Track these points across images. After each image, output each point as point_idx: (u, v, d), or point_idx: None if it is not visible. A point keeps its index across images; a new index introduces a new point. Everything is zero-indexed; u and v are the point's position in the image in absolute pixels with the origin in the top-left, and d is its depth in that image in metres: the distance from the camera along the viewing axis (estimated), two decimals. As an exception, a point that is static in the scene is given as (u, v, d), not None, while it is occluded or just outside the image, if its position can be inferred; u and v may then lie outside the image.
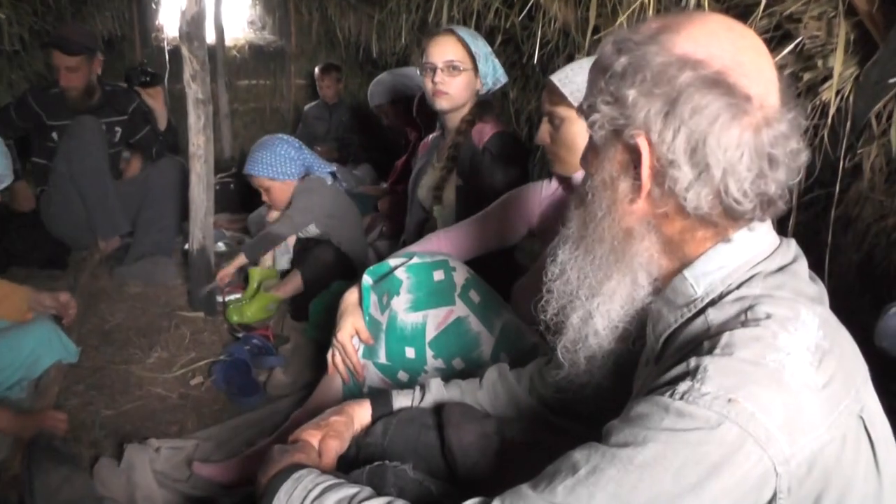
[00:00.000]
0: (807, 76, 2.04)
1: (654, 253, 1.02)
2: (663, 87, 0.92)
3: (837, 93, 1.97)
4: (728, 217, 0.97)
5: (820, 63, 2.00)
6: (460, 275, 1.96)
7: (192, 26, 2.70)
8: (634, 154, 0.97)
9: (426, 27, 4.35)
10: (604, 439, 0.93)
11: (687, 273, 1.01)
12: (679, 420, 0.86)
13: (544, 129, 1.96)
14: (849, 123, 2.05)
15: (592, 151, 1.06)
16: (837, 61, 1.93)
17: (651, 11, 2.24)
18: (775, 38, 2.08)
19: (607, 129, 1.00)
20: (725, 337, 0.90)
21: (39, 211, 3.56)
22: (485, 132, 2.60)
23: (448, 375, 1.85)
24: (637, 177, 0.98)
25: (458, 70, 2.57)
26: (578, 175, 1.89)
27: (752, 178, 0.93)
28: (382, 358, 1.91)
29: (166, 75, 5.51)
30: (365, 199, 4.07)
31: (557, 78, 1.87)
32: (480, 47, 2.58)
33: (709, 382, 0.86)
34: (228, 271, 3.03)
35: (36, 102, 3.55)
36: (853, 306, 2.38)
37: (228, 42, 6.27)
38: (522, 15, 3.17)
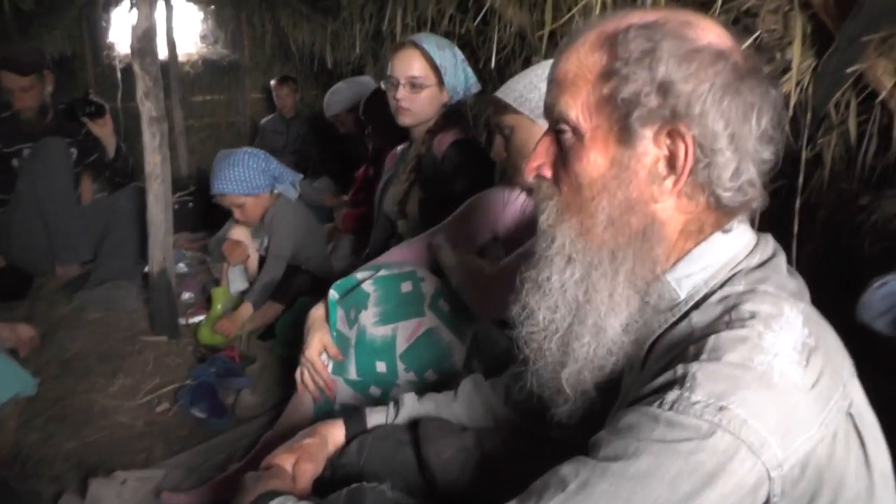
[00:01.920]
0: (766, 69, 2.05)
1: (656, 254, 0.97)
2: (706, 76, 0.90)
3: (797, 84, 1.98)
4: (738, 208, 0.96)
5: (778, 56, 2.00)
6: (429, 285, 1.93)
7: (144, 41, 2.64)
8: (675, 147, 0.93)
9: (381, 36, 4.34)
10: (592, 452, 0.90)
11: (669, 276, 0.98)
12: (670, 430, 0.83)
13: (498, 143, 1.93)
14: (809, 114, 2.06)
15: (597, 152, 0.97)
16: (795, 53, 1.94)
17: (605, 8, 2.23)
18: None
19: (644, 123, 0.93)
20: (711, 340, 0.87)
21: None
22: (444, 141, 2.56)
23: (421, 388, 1.82)
24: (671, 173, 0.94)
25: (420, 87, 2.51)
26: None
27: (765, 162, 0.94)
28: (353, 374, 1.87)
29: (119, 94, 5.42)
30: (326, 211, 4.04)
31: (499, 92, 1.87)
32: (447, 59, 2.51)
33: (698, 390, 0.83)
34: (236, 323, 2.91)
35: None
36: (820, 295, 2.40)
37: (181, 57, 6.17)
38: (477, 20, 3.16)
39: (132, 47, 2.68)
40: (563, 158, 1.01)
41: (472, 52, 3.59)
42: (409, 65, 2.51)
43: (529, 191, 1.96)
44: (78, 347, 2.89)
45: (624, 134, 0.94)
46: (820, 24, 1.94)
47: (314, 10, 5.12)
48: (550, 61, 1.81)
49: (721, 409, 0.81)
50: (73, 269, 3.49)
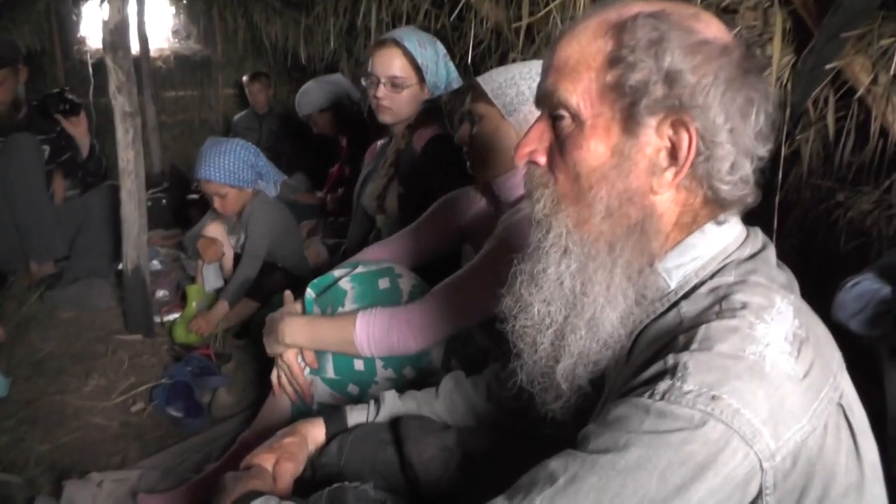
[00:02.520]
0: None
1: (650, 245, 0.96)
2: (711, 69, 0.89)
3: (777, 80, 2.00)
4: (733, 201, 0.95)
5: (758, 52, 2.01)
6: (406, 281, 1.91)
7: (116, 35, 2.60)
8: (678, 138, 0.91)
9: (355, 31, 4.31)
10: (580, 445, 0.89)
11: (659, 266, 0.97)
12: (661, 421, 0.82)
13: (464, 129, 1.91)
14: (788, 110, 2.08)
15: (598, 140, 0.94)
16: (775, 50, 1.95)
17: (583, 4, 2.23)
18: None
19: (649, 113, 0.91)
20: (702, 330, 0.86)
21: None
22: (423, 137, 2.54)
23: (399, 385, 1.81)
24: (672, 164, 0.93)
25: (401, 87, 2.49)
26: (501, 179, 1.85)
27: (760, 158, 0.94)
28: (330, 372, 1.85)
29: (91, 90, 5.34)
30: (300, 208, 4.00)
31: (481, 77, 1.84)
32: (429, 56, 2.48)
33: (690, 380, 0.82)
34: (212, 321, 2.87)
35: None
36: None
37: (153, 53, 6.10)
38: (453, 16, 3.15)
39: (104, 41, 2.65)
40: (560, 146, 0.98)
41: (448, 47, 3.58)
42: (391, 64, 2.49)
43: (485, 185, 1.96)
44: (50, 347, 2.85)
45: (627, 122, 0.93)
46: (799, 20, 1.96)
47: (287, 6, 5.10)
48: (536, 62, 1.83)
49: (713, 398, 0.81)
50: (47, 266, 3.44)
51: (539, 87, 1.03)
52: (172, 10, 6.60)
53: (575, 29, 0.98)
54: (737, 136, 0.90)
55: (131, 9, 4.61)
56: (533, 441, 1.34)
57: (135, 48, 5.08)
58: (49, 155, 3.61)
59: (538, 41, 2.75)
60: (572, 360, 1.00)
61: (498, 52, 3.15)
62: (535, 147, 1.02)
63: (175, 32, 6.67)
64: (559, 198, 0.99)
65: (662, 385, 0.84)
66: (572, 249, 0.97)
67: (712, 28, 0.92)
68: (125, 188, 2.76)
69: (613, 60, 0.92)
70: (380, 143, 2.89)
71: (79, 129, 3.63)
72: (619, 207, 0.94)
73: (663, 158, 0.93)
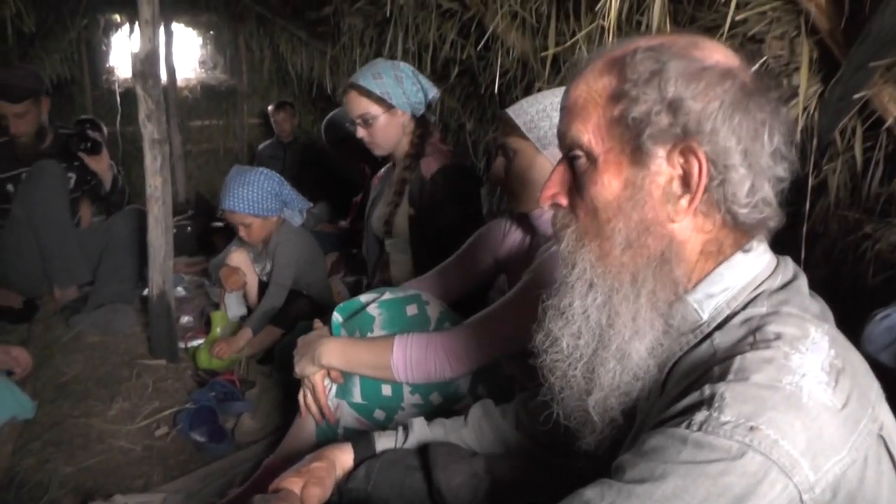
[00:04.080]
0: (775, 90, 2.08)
1: (676, 276, 0.96)
2: (715, 94, 0.90)
3: (803, 110, 1.99)
4: (754, 226, 0.95)
5: (785, 82, 2.01)
6: (434, 308, 1.91)
7: (147, 64, 2.64)
8: (688, 165, 0.92)
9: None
10: (616, 475, 0.88)
11: (690, 298, 0.96)
12: (698, 451, 0.82)
13: (498, 164, 1.93)
14: (815, 140, 2.07)
15: (610, 175, 0.96)
16: (802, 79, 1.95)
17: (611, 34, 2.24)
18: (739, 59, 2.11)
19: (655, 143, 0.92)
20: (737, 361, 0.86)
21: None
22: (431, 165, 2.61)
23: (426, 411, 1.80)
24: (685, 192, 0.93)
25: (370, 121, 2.60)
26: (538, 212, 1.86)
27: (780, 179, 0.94)
28: (357, 397, 1.85)
29: (118, 118, 5.43)
30: (324, 238, 4.02)
31: (512, 109, 1.85)
32: (387, 84, 2.56)
33: (727, 410, 0.82)
34: (234, 347, 2.88)
35: None
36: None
37: (180, 83, 6.19)
38: (480, 46, 3.18)
39: (134, 70, 2.69)
40: (578, 184, 1.00)
41: (473, 78, 3.62)
42: (354, 106, 2.62)
43: (521, 216, 1.97)
44: (75, 371, 2.86)
45: (636, 154, 0.94)
46: (826, 50, 1.95)
47: (313, 36, 5.16)
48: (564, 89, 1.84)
49: (751, 429, 0.80)
50: (70, 292, 3.46)
51: (557, 129, 1.05)
52: (199, 40, 6.70)
53: (583, 70, 1.01)
54: (751, 158, 0.90)
55: (159, 39, 4.69)
56: (562, 472, 1.33)
57: (162, 78, 5.15)
58: (75, 183, 3.66)
59: (564, 71, 2.77)
60: (603, 392, 1.00)
61: (524, 82, 3.16)
62: (557, 189, 1.04)
63: (202, 63, 6.77)
64: (581, 234, 1.00)
65: (699, 416, 0.83)
66: (597, 283, 0.98)
67: (714, 54, 0.94)
68: (152, 214, 2.79)
69: (617, 95, 0.94)
70: (384, 168, 2.97)
71: (101, 165, 3.66)
72: (638, 238, 0.95)
73: (676, 186, 0.94)
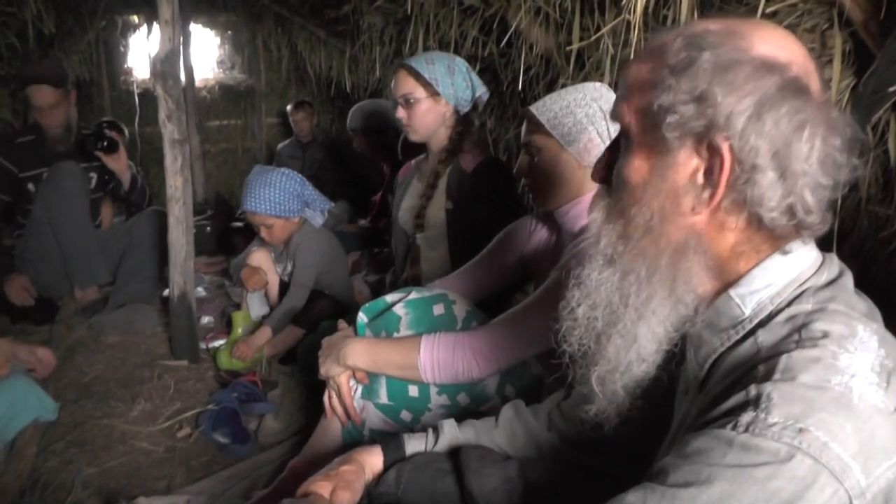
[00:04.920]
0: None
1: (700, 269, 0.94)
2: (751, 89, 0.85)
3: (836, 104, 1.94)
4: (793, 230, 0.90)
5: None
6: (461, 308, 1.89)
7: (167, 64, 2.63)
8: (712, 159, 0.89)
9: (401, 59, 4.32)
10: (658, 478, 0.85)
11: (733, 292, 0.93)
12: (745, 455, 0.78)
13: (522, 161, 1.91)
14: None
15: (640, 159, 0.95)
16: (835, 72, 1.90)
17: (637, 28, 2.21)
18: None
19: (681, 133, 0.89)
20: (783, 360, 0.83)
21: (14, 258, 3.44)
22: (470, 160, 2.58)
23: (453, 412, 1.78)
24: (708, 185, 0.90)
25: (412, 102, 2.57)
26: (563, 210, 1.84)
27: (824, 187, 0.88)
28: (383, 398, 1.83)
29: (136, 119, 5.43)
30: (345, 237, 4.00)
31: (535, 107, 1.83)
32: (438, 70, 2.54)
33: (774, 411, 0.78)
34: (253, 346, 2.87)
35: (3, 156, 3.43)
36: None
37: (198, 83, 6.18)
38: (502, 43, 3.14)
39: (154, 70, 2.67)
40: (617, 163, 1.00)
41: (494, 75, 3.58)
42: (399, 84, 2.59)
43: (547, 214, 1.95)
44: (97, 372, 2.86)
45: (661, 142, 0.91)
46: (860, 42, 1.91)
47: (331, 35, 5.13)
48: (590, 85, 1.81)
49: (800, 431, 0.77)
50: (91, 292, 3.46)
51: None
52: (217, 40, 6.69)
53: (643, 49, 0.99)
54: (784, 161, 0.86)
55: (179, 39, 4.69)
56: (597, 475, 1.30)
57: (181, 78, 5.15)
58: (96, 183, 3.66)
59: (588, 66, 2.73)
60: (608, 366, 1.01)
61: (547, 78, 3.13)
62: (603, 165, 1.05)
63: (220, 62, 6.77)
64: (609, 211, 1.00)
65: (745, 417, 0.80)
66: (616, 260, 0.98)
67: (761, 45, 0.88)
68: (173, 214, 2.78)
69: (653, 81, 0.92)
70: (415, 160, 2.94)
71: (118, 165, 3.63)
72: (658, 225, 0.93)
73: (701, 179, 0.91)
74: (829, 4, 1.94)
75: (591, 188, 1.80)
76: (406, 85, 2.56)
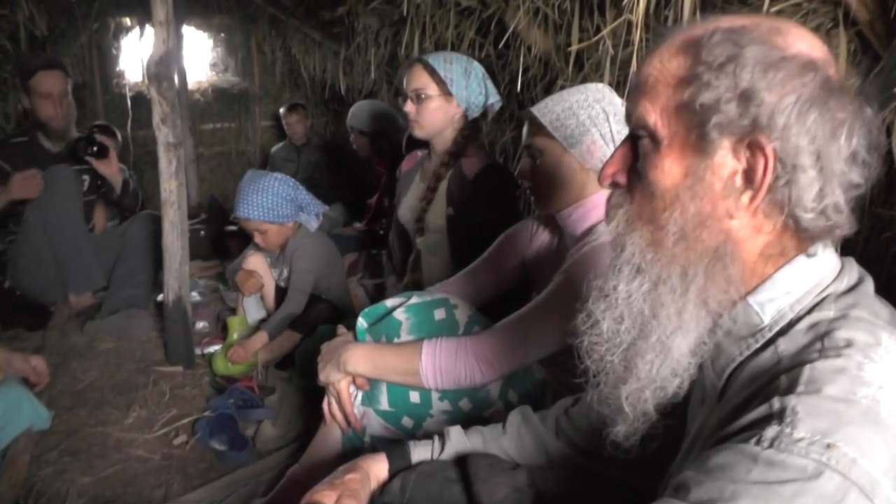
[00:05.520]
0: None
1: (733, 275, 0.90)
2: (793, 87, 0.83)
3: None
4: (822, 232, 0.88)
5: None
6: (462, 312, 1.86)
7: (161, 67, 2.60)
8: (754, 160, 0.86)
9: (396, 61, 4.30)
10: (679, 493, 0.82)
11: (752, 300, 0.90)
12: (770, 471, 0.75)
13: (524, 164, 1.88)
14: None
15: (672, 160, 0.91)
16: (840, 73, 1.89)
17: (638, 28, 2.18)
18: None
19: (722, 133, 0.86)
20: (807, 371, 0.80)
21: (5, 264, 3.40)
22: (472, 164, 2.55)
23: (456, 418, 1.75)
24: (748, 187, 0.87)
25: (423, 98, 2.54)
26: (566, 213, 1.81)
27: (855, 186, 0.85)
28: (384, 404, 1.80)
29: (129, 123, 5.39)
30: (341, 241, 3.97)
31: (537, 108, 1.80)
32: (454, 71, 2.52)
33: (800, 426, 0.76)
34: (249, 350, 2.83)
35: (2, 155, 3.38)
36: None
37: (191, 86, 6.15)
38: (500, 45, 3.12)
39: (148, 73, 2.64)
40: (639, 166, 0.95)
41: (493, 76, 3.56)
42: (413, 78, 2.57)
43: (549, 217, 1.92)
44: (91, 378, 2.82)
45: (700, 142, 0.88)
46: (865, 42, 1.89)
47: (326, 37, 5.10)
48: (592, 86, 1.78)
49: (828, 446, 0.74)
50: (85, 297, 3.42)
51: (626, 106, 1.00)
52: (211, 43, 6.65)
53: (659, 47, 0.94)
54: (824, 161, 0.83)
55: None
56: (608, 483, 1.28)
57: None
58: (88, 186, 3.61)
59: (587, 67, 2.71)
60: (639, 383, 0.96)
61: (545, 80, 3.10)
62: (618, 168, 0.99)
63: (213, 65, 6.73)
64: (633, 217, 0.96)
65: (770, 431, 0.77)
66: (645, 269, 0.93)
67: (798, 42, 0.86)
68: (167, 218, 2.74)
69: (689, 78, 0.88)
70: (420, 154, 2.92)
71: (109, 170, 3.58)
72: (693, 230, 0.89)
73: (740, 181, 0.87)
74: (835, 4, 1.92)
75: (594, 191, 1.78)
76: (420, 80, 2.54)
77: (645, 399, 0.97)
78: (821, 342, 0.83)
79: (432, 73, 2.52)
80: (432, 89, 2.53)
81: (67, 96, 3.42)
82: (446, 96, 2.54)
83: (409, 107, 2.57)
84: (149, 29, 3.43)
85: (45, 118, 3.40)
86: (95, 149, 3.48)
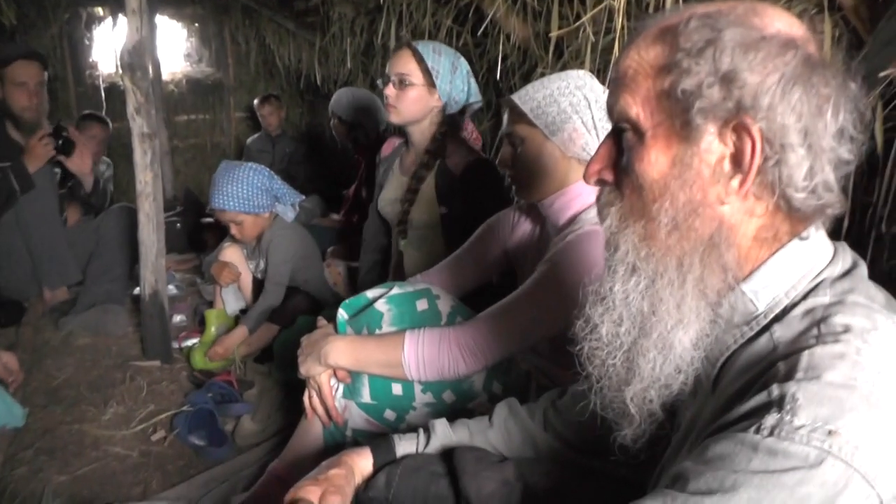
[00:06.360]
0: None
1: (729, 263, 0.88)
2: (776, 65, 0.81)
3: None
4: (814, 212, 0.86)
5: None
6: (445, 303, 1.83)
7: (134, 56, 2.54)
8: (741, 142, 0.84)
9: (372, 50, 4.26)
10: (677, 484, 0.80)
11: (745, 287, 0.89)
12: (771, 460, 0.74)
13: (505, 153, 1.85)
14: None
15: (658, 151, 0.89)
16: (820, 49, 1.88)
17: (620, 15, 2.16)
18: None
19: (707, 118, 0.84)
20: (805, 357, 0.78)
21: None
22: (457, 159, 2.52)
23: (439, 410, 1.73)
24: (737, 171, 0.85)
25: (406, 84, 2.48)
26: (548, 202, 1.79)
27: (845, 162, 0.84)
28: (366, 397, 1.77)
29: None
30: (319, 231, 3.93)
31: (517, 96, 1.77)
32: (441, 63, 2.48)
33: (801, 413, 0.74)
34: (229, 346, 2.79)
35: None
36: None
37: (165, 77, 6.06)
38: (478, 33, 3.09)
39: (122, 62, 2.59)
40: (624, 160, 0.93)
41: (471, 63, 3.53)
42: (398, 62, 2.50)
43: (530, 206, 1.90)
44: (66, 375, 2.77)
45: (685, 129, 0.86)
46: (850, 27, 1.88)
47: (300, 27, 5.05)
48: (573, 73, 1.76)
49: (830, 433, 0.73)
50: (60, 293, 3.37)
51: (606, 101, 0.98)
52: (184, 33, 6.57)
53: (635, 38, 0.93)
54: (811, 138, 0.82)
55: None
56: (597, 476, 1.26)
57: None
58: (61, 177, 3.53)
59: (567, 55, 2.69)
60: (643, 384, 0.94)
61: (524, 68, 3.08)
62: (603, 164, 0.97)
63: (187, 56, 6.64)
64: (625, 214, 0.94)
65: (770, 419, 0.76)
66: (640, 266, 0.91)
67: (776, 22, 0.85)
68: (143, 211, 2.69)
69: (668, 66, 0.87)
70: (396, 143, 2.88)
71: (77, 166, 3.49)
72: (685, 220, 0.88)
73: (728, 166, 0.86)
74: (818, -11, 1.91)
75: (576, 179, 1.76)
76: (406, 65, 2.48)
77: (650, 399, 0.95)
78: (817, 328, 0.82)
79: (420, 60, 2.47)
80: (417, 77, 2.48)
81: (43, 88, 3.36)
82: (429, 87, 2.49)
83: (390, 90, 2.50)
84: (122, 18, 3.37)
85: (18, 109, 3.31)
86: (60, 143, 3.37)
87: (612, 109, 0.94)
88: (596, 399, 1.01)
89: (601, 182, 0.98)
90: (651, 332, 0.91)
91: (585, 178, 0.99)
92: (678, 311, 0.89)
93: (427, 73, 2.47)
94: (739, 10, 0.86)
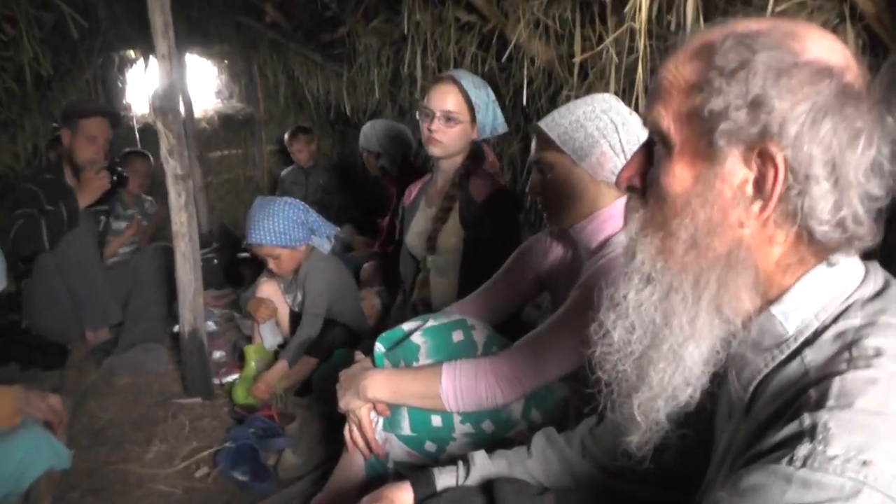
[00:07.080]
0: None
1: (746, 285, 0.88)
2: (808, 94, 0.80)
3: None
4: (842, 243, 0.85)
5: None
6: (480, 333, 1.84)
7: (165, 100, 2.59)
8: (764, 169, 0.83)
9: (398, 80, 4.29)
10: None
11: (774, 310, 0.88)
12: (805, 491, 0.72)
13: (534, 179, 1.86)
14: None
15: (683, 167, 0.89)
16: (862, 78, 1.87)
17: (642, 35, 2.16)
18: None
19: (732, 140, 0.84)
20: (836, 383, 0.77)
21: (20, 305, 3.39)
22: (479, 187, 2.55)
23: (478, 440, 1.73)
24: (759, 196, 0.85)
25: (454, 121, 2.50)
26: (579, 226, 1.79)
27: (875, 198, 0.83)
28: (406, 429, 1.77)
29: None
30: (355, 263, 3.96)
31: (544, 122, 1.78)
32: (482, 97, 2.51)
33: (834, 443, 0.73)
34: (271, 382, 2.82)
35: (35, 185, 3.38)
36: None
37: (197, 114, 6.14)
38: (503, 58, 3.11)
39: (153, 106, 2.64)
40: (653, 171, 0.94)
41: (496, 89, 3.54)
42: (446, 99, 2.51)
43: (562, 231, 1.89)
44: (110, 415, 2.81)
45: (709, 150, 0.86)
46: (873, 36, 1.86)
47: (327, 59, 5.10)
48: (598, 97, 1.76)
49: (864, 463, 0.71)
50: (102, 334, 3.42)
51: (644, 109, 0.99)
52: (214, 70, 6.67)
53: (676, 51, 0.92)
54: (839, 171, 0.81)
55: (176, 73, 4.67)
56: (635, 500, 1.25)
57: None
58: (104, 224, 3.66)
59: (592, 76, 2.69)
60: (651, 393, 0.94)
61: (550, 90, 3.09)
62: (634, 172, 0.99)
63: (217, 93, 6.74)
64: (645, 223, 0.94)
65: (802, 449, 0.74)
66: (655, 278, 0.92)
67: (816, 48, 0.83)
68: (179, 251, 2.73)
69: (700, 84, 0.86)
70: (422, 182, 2.89)
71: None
72: (704, 238, 0.88)
73: (750, 189, 0.85)
74: (840, 0, 1.89)
75: (607, 203, 1.75)
76: (454, 102, 2.51)
77: (657, 408, 0.95)
78: (849, 352, 0.81)
79: (466, 97, 2.49)
80: (463, 115, 2.51)
81: (108, 143, 3.51)
82: (472, 122, 2.53)
83: (437, 126, 2.51)
84: (153, 60, 3.46)
85: (83, 160, 3.44)
86: (115, 178, 3.52)
87: (646, 119, 0.95)
88: (606, 402, 1.02)
89: (631, 188, 0.99)
90: (662, 344, 0.91)
91: (617, 182, 1.01)
92: (691, 326, 0.89)
93: (471, 108, 2.50)
94: (778, 32, 0.85)
